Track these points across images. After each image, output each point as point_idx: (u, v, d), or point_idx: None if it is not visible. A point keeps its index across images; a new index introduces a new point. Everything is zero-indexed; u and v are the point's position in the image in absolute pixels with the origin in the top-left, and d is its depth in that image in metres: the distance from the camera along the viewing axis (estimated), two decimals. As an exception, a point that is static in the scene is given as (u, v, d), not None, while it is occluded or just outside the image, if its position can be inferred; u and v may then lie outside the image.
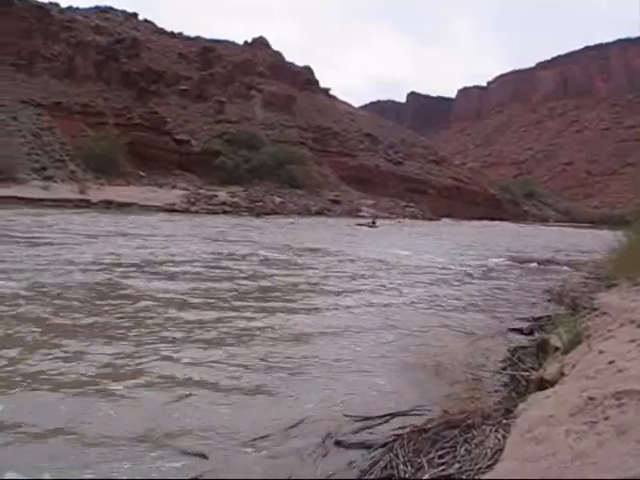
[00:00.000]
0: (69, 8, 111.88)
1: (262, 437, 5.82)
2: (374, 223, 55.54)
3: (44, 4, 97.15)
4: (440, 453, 4.91)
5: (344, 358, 8.73)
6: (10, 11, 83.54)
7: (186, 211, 60.18)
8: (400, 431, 5.56)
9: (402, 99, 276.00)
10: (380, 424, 6.03)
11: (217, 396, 6.97)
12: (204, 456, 5.34)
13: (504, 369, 8.05)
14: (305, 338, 9.97)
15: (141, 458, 5.31)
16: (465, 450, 4.88)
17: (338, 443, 5.63)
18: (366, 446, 5.51)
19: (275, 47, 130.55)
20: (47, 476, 4.86)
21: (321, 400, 6.92)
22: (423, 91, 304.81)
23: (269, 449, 5.61)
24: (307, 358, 8.66)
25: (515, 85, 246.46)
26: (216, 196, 70.30)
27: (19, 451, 5.35)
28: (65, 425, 5.93)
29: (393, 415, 6.27)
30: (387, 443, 5.38)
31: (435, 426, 5.45)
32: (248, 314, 11.49)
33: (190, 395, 6.92)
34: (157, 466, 5.18)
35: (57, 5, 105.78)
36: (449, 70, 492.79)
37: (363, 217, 63.85)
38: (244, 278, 16.38)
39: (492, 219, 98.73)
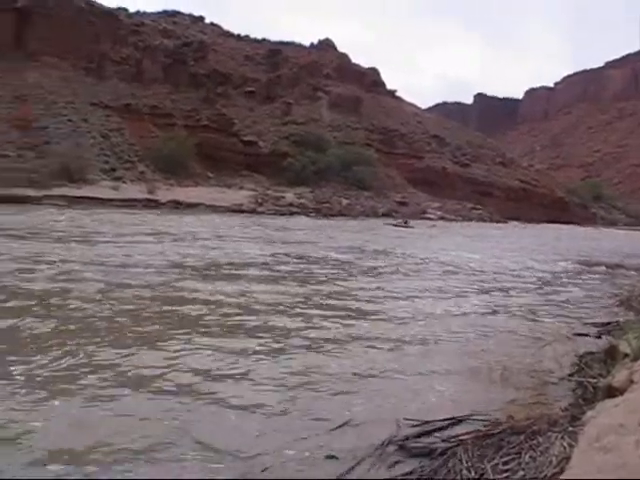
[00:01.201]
0: (137, 13, 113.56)
1: (320, 438, 5.80)
2: (406, 223, 53.77)
3: (113, 9, 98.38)
4: (504, 459, 4.87)
5: (409, 361, 8.70)
6: (80, 17, 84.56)
7: (253, 212, 60.02)
8: (464, 436, 5.49)
9: (468, 100, 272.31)
10: (443, 428, 5.92)
11: (278, 396, 7.02)
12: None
13: (571, 375, 7.97)
14: (371, 342, 9.79)
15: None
16: (530, 457, 4.82)
17: (401, 447, 5.52)
18: (429, 450, 5.41)
19: (341, 48, 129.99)
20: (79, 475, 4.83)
21: (384, 403, 6.84)
22: (489, 92, 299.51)
23: (329, 452, 5.50)
24: (374, 362, 8.58)
25: (583, 85, 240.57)
26: (283, 197, 70.23)
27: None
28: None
29: (457, 419, 6.16)
30: (450, 448, 5.29)
31: (500, 432, 5.42)
32: (317, 319, 11.43)
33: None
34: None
35: (125, 10, 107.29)
36: (515, 70, 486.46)
37: (394, 218, 62.47)
38: (318, 282, 16.37)
39: (560, 222, 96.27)
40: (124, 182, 62.68)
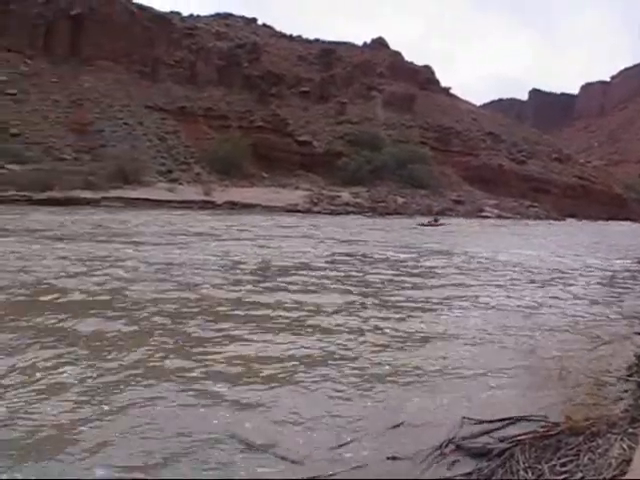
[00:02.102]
0: (190, 16, 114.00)
1: (378, 438, 5.70)
2: (437, 221, 51.59)
3: (166, 13, 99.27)
4: (562, 461, 4.78)
5: (466, 361, 8.55)
6: (133, 22, 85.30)
7: (308, 212, 59.56)
8: (522, 437, 5.40)
9: (523, 97, 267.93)
10: (501, 428, 5.83)
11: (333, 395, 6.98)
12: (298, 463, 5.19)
13: (630, 375, 7.69)
14: (426, 341, 9.76)
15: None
16: (588, 459, 4.72)
17: (459, 447, 5.44)
18: (486, 450, 5.31)
19: (393, 46, 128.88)
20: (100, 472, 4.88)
21: (440, 402, 6.75)
22: (545, 87, 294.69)
23: (386, 451, 5.39)
24: (429, 360, 8.50)
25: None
26: (339, 196, 69.74)
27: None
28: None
29: (514, 419, 6.06)
30: (508, 448, 5.22)
31: (558, 433, 5.34)
32: (382, 315, 11.49)
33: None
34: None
35: (179, 14, 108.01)
36: (571, 65, 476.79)
37: (423, 216, 60.19)
38: (381, 282, 16.16)
39: (618, 219, 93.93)
40: (180, 184, 62.91)
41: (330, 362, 8.24)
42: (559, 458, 4.81)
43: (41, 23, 79.12)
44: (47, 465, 5.02)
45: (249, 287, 13.91)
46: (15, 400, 6.24)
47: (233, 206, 57.18)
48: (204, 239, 25.71)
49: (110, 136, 68.63)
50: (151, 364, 7.71)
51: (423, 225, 48.71)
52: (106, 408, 6.22)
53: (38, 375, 7.03)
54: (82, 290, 12.15)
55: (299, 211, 58.66)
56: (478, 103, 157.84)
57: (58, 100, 71.44)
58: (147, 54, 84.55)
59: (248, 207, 57.26)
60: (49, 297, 11.22)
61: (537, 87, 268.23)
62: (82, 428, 5.72)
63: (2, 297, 11.00)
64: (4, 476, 4.76)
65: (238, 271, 16.44)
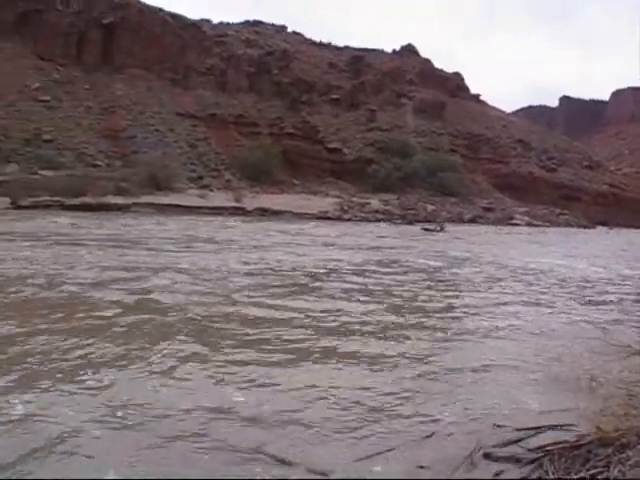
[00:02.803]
0: (220, 24, 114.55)
1: (403, 446, 5.56)
2: (442, 229, 50.56)
3: (196, 21, 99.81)
4: (592, 472, 4.69)
5: (493, 367, 8.39)
6: (164, 30, 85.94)
7: (339, 219, 59.19)
8: (551, 446, 5.26)
9: (553, 103, 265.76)
10: (530, 437, 5.66)
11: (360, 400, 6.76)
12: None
13: None
14: (461, 348, 9.56)
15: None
16: (619, 471, 4.64)
17: (486, 455, 5.33)
18: (515, 460, 5.20)
19: (423, 53, 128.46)
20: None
21: (467, 410, 6.58)
22: (574, 94, 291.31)
23: (411, 460, 5.29)
24: (455, 368, 8.25)
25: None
26: (369, 204, 69.38)
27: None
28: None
29: (543, 429, 5.88)
30: (537, 458, 5.11)
31: (587, 443, 5.21)
32: (420, 321, 11.34)
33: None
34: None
35: (209, 21, 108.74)
36: (601, 71, 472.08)
37: (429, 222, 59.13)
38: (419, 289, 15.78)
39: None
40: (211, 190, 63.10)
41: (361, 371, 7.96)
42: (588, 470, 4.73)
43: (74, 32, 79.91)
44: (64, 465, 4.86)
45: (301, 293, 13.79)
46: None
47: (263, 213, 57.06)
48: (249, 245, 25.79)
49: (142, 143, 69.25)
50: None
51: (428, 230, 48.24)
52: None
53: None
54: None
55: (329, 218, 58.29)
56: (508, 110, 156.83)
57: (90, 107, 72.14)
58: (178, 62, 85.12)
59: (278, 214, 57.11)
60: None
61: (567, 94, 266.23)
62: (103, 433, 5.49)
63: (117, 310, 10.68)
64: (31, 476, 4.63)
65: (280, 277, 16.19)
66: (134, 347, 8.15)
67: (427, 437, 5.80)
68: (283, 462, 5.13)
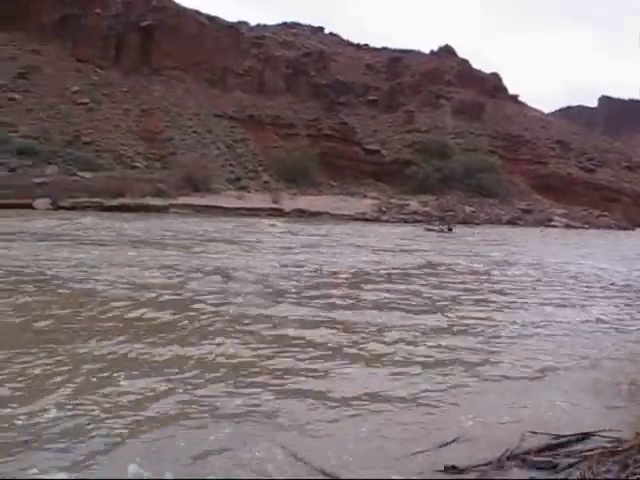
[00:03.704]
0: (258, 25, 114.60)
1: (435, 450, 5.46)
2: (450, 230, 48.75)
3: (234, 23, 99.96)
4: (631, 479, 4.64)
5: (533, 373, 8.28)
6: (202, 32, 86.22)
7: (377, 220, 58.91)
8: (588, 452, 5.18)
9: (593, 103, 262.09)
10: (567, 443, 5.57)
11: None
12: None
13: None
14: (487, 353, 9.33)
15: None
16: None
17: (523, 461, 5.22)
18: (551, 466, 5.08)
19: (461, 54, 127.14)
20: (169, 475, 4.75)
21: (507, 416, 6.49)
22: (614, 94, 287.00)
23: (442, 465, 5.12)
24: (489, 371, 8.28)
25: None
26: (407, 205, 69.15)
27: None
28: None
29: (581, 435, 5.77)
30: (574, 464, 5.04)
31: (626, 449, 5.09)
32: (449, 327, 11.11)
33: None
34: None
35: (246, 23, 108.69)
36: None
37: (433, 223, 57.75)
38: (463, 291, 15.89)
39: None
40: (248, 191, 63.36)
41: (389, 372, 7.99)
42: (627, 476, 4.68)
43: (112, 35, 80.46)
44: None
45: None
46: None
47: (301, 214, 56.93)
48: (298, 247, 26.07)
49: (180, 144, 69.68)
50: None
51: (431, 230, 46.80)
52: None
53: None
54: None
55: (367, 220, 58.03)
56: (547, 110, 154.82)
57: (129, 109, 72.57)
58: (216, 63, 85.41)
59: (316, 215, 56.90)
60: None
61: (607, 94, 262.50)
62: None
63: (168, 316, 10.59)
64: (60, 475, 4.67)
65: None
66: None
67: (453, 441, 5.72)
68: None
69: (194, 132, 72.96)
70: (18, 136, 59.64)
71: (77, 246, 20.85)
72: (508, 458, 5.26)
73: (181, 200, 52.95)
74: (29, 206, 45.33)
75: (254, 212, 53.62)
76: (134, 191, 51.92)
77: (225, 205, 53.93)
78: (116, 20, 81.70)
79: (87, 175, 54.53)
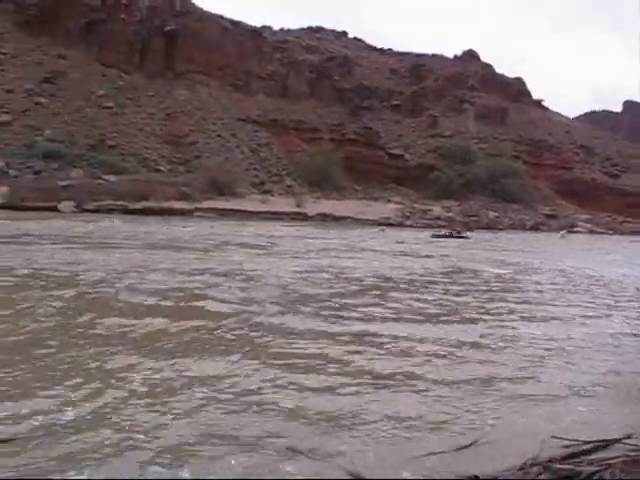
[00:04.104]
0: (281, 30, 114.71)
1: (454, 455, 5.31)
2: (459, 233, 47.12)
3: (257, 28, 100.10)
4: None
5: (549, 377, 7.99)
6: (225, 36, 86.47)
7: (400, 225, 58.75)
8: (612, 460, 4.89)
9: (617, 108, 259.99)
10: (589, 451, 5.34)
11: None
12: None
13: None
14: (514, 357, 9.05)
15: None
16: None
17: (545, 468, 4.97)
18: (575, 474, 4.84)
19: (484, 58, 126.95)
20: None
21: (519, 421, 6.29)
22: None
23: (462, 471, 4.91)
24: (505, 375, 7.99)
25: None
26: (431, 210, 69.14)
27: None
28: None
29: (603, 442, 5.49)
30: (597, 471, 4.79)
31: None
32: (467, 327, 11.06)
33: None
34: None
35: (270, 28, 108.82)
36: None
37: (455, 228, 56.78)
38: (489, 299, 15.07)
39: None
40: (272, 195, 63.27)
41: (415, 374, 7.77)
42: None
43: (137, 40, 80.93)
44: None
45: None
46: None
47: (324, 218, 56.88)
48: (325, 252, 25.73)
49: (204, 148, 69.93)
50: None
51: (438, 237, 45.39)
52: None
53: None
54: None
55: (391, 224, 57.77)
56: (571, 115, 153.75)
57: (153, 113, 72.90)
58: (239, 68, 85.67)
59: (339, 219, 56.78)
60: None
61: (633, 99, 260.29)
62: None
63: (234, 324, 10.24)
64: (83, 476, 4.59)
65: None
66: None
67: (471, 444, 5.59)
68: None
69: (218, 136, 73.18)
70: (44, 139, 60.18)
71: (100, 249, 20.76)
72: (531, 465, 5.10)
73: (205, 204, 53.06)
74: (54, 209, 45.67)
75: (278, 216, 53.67)
76: (158, 194, 52.12)
77: (249, 209, 54.01)
78: (141, 25, 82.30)
79: (112, 178, 54.85)
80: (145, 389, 6.49)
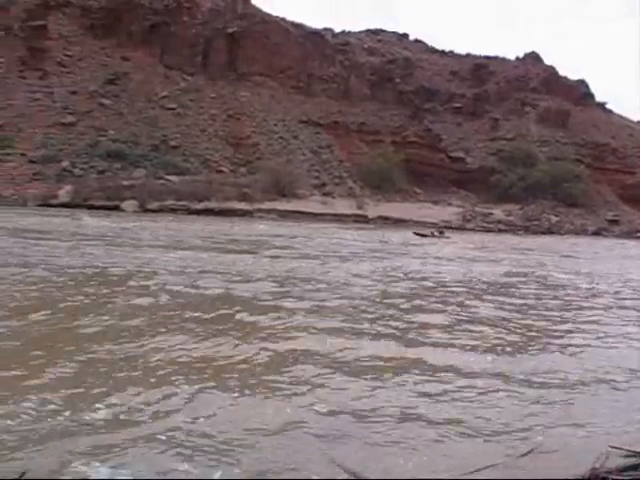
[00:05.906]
0: (342, 32, 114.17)
1: (509, 466, 5.22)
2: (442, 233, 45.66)
3: (319, 30, 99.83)
4: None
5: (604, 387, 7.93)
6: (288, 39, 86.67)
7: (461, 228, 58.15)
8: None
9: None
10: None
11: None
12: None
13: None
14: (575, 366, 8.92)
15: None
16: None
17: (604, 479, 4.95)
18: None
19: (547, 60, 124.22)
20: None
21: (580, 431, 6.22)
22: None
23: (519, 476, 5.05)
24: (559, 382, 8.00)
25: None
26: (492, 214, 68.50)
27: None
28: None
29: None
30: None
31: None
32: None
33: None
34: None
35: (331, 30, 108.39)
36: None
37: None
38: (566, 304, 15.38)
39: None
40: (333, 197, 63.41)
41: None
42: None
43: (199, 42, 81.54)
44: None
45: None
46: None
47: (385, 221, 56.76)
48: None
49: (266, 149, 70.31)
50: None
51: (420, 235, 43.94)
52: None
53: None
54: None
55: (452, 228, 57.03)
56: (635, 118, 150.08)
57: (215, 114, 73.42)
58: (301, 70, 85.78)
59: (399, 222, 56.41)
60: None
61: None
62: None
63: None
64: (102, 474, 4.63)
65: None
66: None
67: (527, 453, 5.59)
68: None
69: (280, 138, 73.56)
70: (107, 140, 61.05)
71: (164, 250, 20.79)
72: (591, 476, 5.06)
73: (267, 205, 53.19)
74: (117, 208, 46.30)
75: (338, 218, 53.66)
76: (219, 195, 52.41)
77: (310, 210, 54.04)
78: (203, 27, 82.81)
79: (174, 179, 55.30)
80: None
